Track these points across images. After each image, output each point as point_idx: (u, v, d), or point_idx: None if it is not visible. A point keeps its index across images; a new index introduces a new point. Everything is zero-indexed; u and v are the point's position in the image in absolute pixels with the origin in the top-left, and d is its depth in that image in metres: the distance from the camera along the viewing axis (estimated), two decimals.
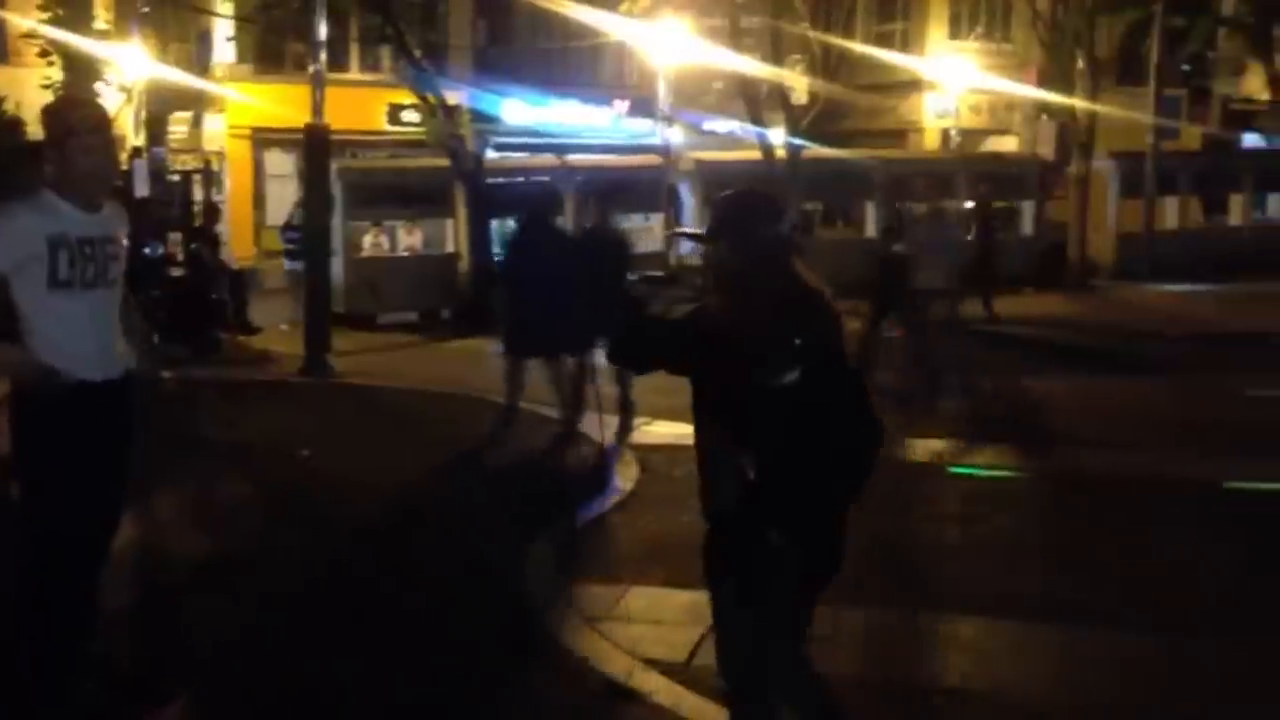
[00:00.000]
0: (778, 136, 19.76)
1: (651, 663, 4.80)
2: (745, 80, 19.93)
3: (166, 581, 5.76)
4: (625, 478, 7.97)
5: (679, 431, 9.54)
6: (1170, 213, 22.44)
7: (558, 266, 8.99)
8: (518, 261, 9.73)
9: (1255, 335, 14.39)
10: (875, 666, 4.96)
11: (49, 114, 4.15)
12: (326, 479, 7.79)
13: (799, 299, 3.30)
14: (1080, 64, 21.12)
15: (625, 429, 9.31)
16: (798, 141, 19.59)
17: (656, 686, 4.58)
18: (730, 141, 24.06)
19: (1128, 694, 4.66)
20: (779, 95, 20.26)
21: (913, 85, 26.67)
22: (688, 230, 14.47)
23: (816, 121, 20.28)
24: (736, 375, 3.25)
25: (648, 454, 8.56)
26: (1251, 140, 28.71)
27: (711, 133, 25.89)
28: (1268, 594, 5.79)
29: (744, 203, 3.45)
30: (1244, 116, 29.53)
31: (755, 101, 19.89)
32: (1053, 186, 21.15)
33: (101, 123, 4.14)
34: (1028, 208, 21.03)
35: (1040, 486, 8.15)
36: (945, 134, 26.92)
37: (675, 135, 24.59)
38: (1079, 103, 20.32)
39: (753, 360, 3.23)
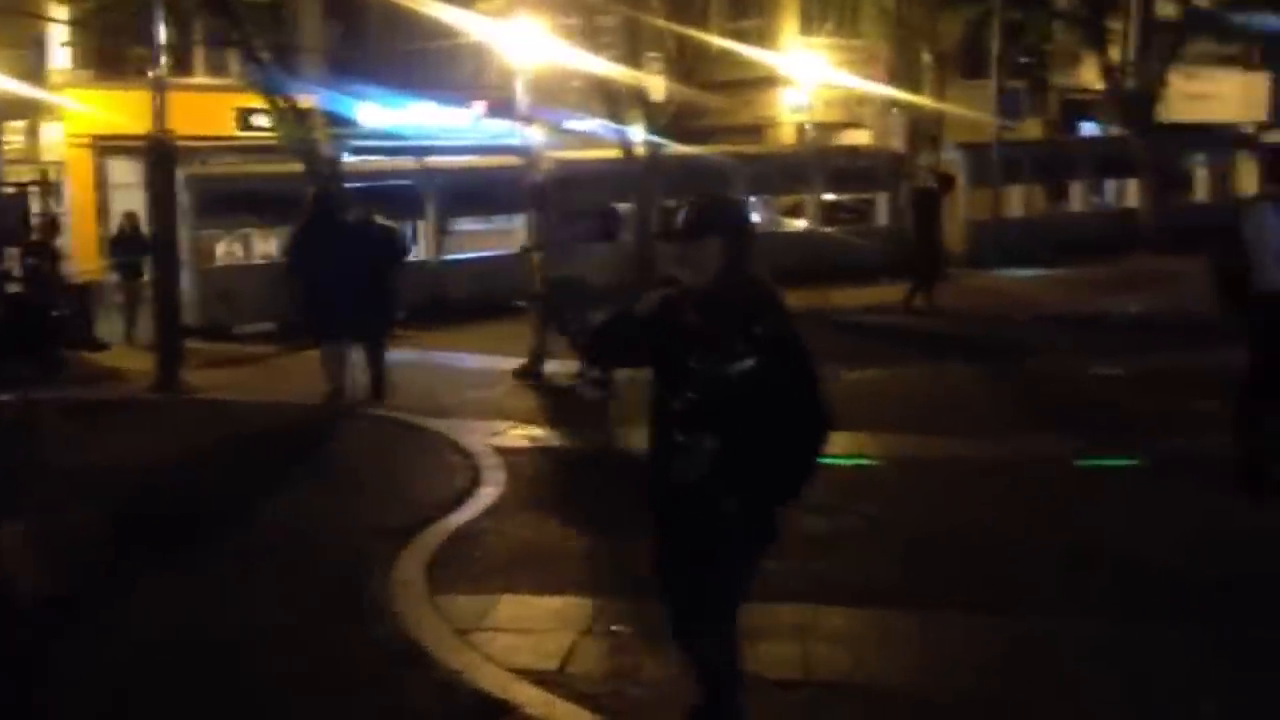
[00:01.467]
0: (637, 134, 19.84)
1: (523, 673, 4.77)
2: (603, 79, 19.96)
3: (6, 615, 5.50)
4: (492, 484, 7.90)
5: (544, 434, 9.59)
6: (1016, 201, 23.26)
7: (338, 259, 10.31)
8: (302, 255, 10.83)
9: (1097, 316, 15.02)
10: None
11: None
12: (179, 500, 7.54)
13: (760, 294, 3.72)
14: (926, 58, 21.73)
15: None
16: (656, 139, 19.70)
17: (529, 697, 4.54)
18: (591, 140, 24.05)
19: (985, 679, 4.78)
20: (637, 93, 20.34)
21: (768, 81, 27.05)
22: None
23: (675, 119, 20.41)
24: (704, 362, 3.64)
25: (514, 458, 8.51)
26: (1088, 129, 29.93)
27: (572, 132, 25.84)
28: (1123, 571, 6.01)
29: (724, 205, 4.11)
30: (1080, 106, 30.76)
31: (613, 100, 19.94)
32: (904, 178, 21.71)
33: None
34: (881, 199, 21.55)
35: (897, 473, 8.31)
36: (800, 128, 27.38)
37: (535, 135, 24.50)
38: (926, 97, 20.91)
39: (721, 348, 3.62)
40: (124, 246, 16.30)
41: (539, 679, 4.70)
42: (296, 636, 5.31)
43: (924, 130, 20.96)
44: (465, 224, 20.80)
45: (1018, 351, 12.75)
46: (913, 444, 8.95)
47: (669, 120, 20.22)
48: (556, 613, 5.45)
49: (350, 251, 10.49)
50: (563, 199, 12.43)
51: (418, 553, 6.36)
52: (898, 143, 23.94)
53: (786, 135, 28.27)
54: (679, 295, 3.76)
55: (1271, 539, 6.48)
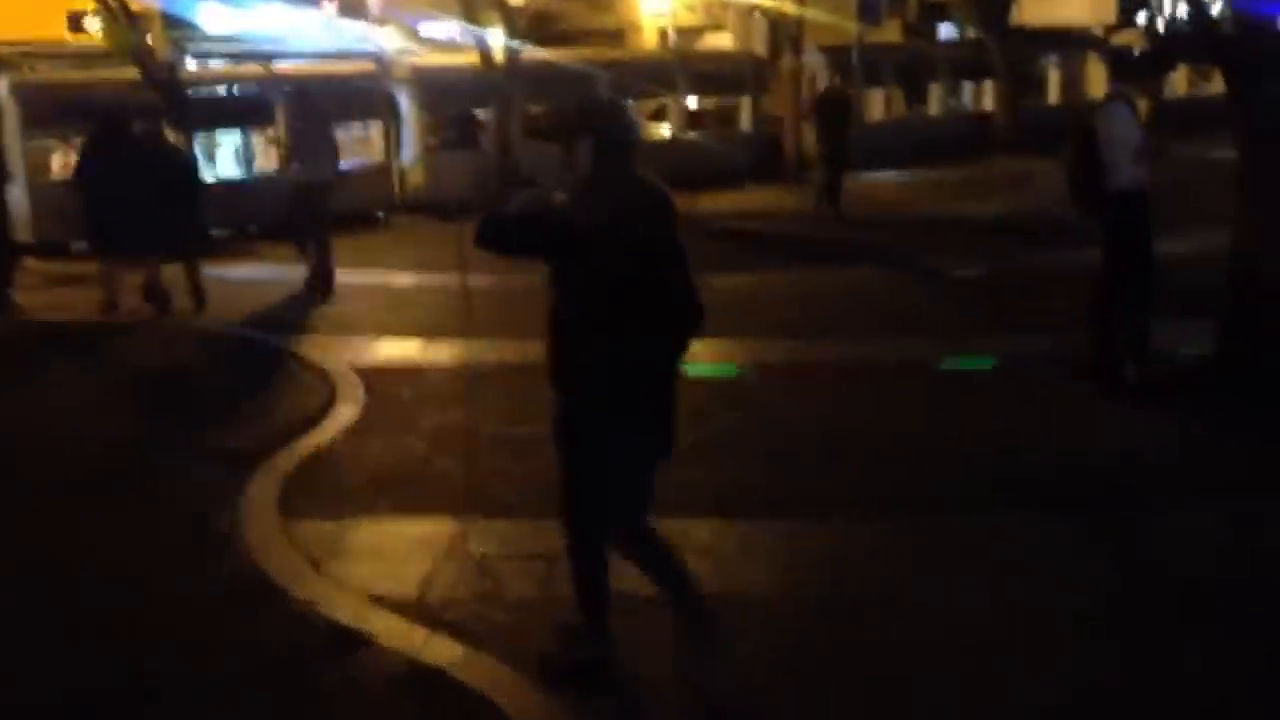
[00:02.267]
0: (496, 40, 19.23)
1: (380, 600, 4.59)
2: None
3: None
4: (349, 401, 7.61)
5: (405, 351, 9.29)
6: (876, 104, 23.33)
7: (128, 174, 10.38)
8: (90, 168, 10.85)
9: (956, 218, 15.21)
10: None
11: None
12: (11, 427, 7.09)
13: (639, 193, 3.84)
14: None
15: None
16: (515, 44, 19.13)
17: (386, 627, 4.37)
18: (447, 46, 23.29)
19: (852, 581, 4.78)
20: None
21: None
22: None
23: (535, 24, 19.83)
24: (583, 261, 3.72)
25: (374, 376, 8.22)
26: (947, 31, 30.16)
27: (428, 37, 24.98)
28: (984, 467, 6.07)
29: (609, 106, 4.54)
30: (938, 9, 30.94)
31: (471, 3, 19.24)
32: (767, 82, 21.55)
33: None
34: (745, 103, 21.39)
35: (763, 379, 8.27)
36: (662, 32, 26.97)
37: (389, 40, 23.61)
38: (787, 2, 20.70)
39: (596, 247, 3.70)
40: None
41: (397, 607, 4.53)
42: (137, 570, 5.02)
43: (786, 33, 20.75)
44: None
45: (880, 255, 12.83)
46: (779, 350, 8.93)
47: (528, 25, 19.62)
48: (415, 537, 5.27)
49: (136, 168, 10.54)
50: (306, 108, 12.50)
51: (268, 478, 6.09)
52: (760, 47, 23.73)
53: (648, 40, 27.83)
54: (565, 197, 3.85)
55: (1123, 432, 6.65)
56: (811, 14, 20.86)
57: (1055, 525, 5.27)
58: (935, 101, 23.57)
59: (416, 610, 4.50)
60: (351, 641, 4.29)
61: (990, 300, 10.52)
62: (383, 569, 4.92)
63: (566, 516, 4.03)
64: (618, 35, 27.56)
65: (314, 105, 12.48)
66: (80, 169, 11.20)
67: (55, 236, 15.07)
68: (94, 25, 20.91)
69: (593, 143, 3.82)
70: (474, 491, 5.81)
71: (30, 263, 13.14)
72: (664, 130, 21.23)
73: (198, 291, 10.93)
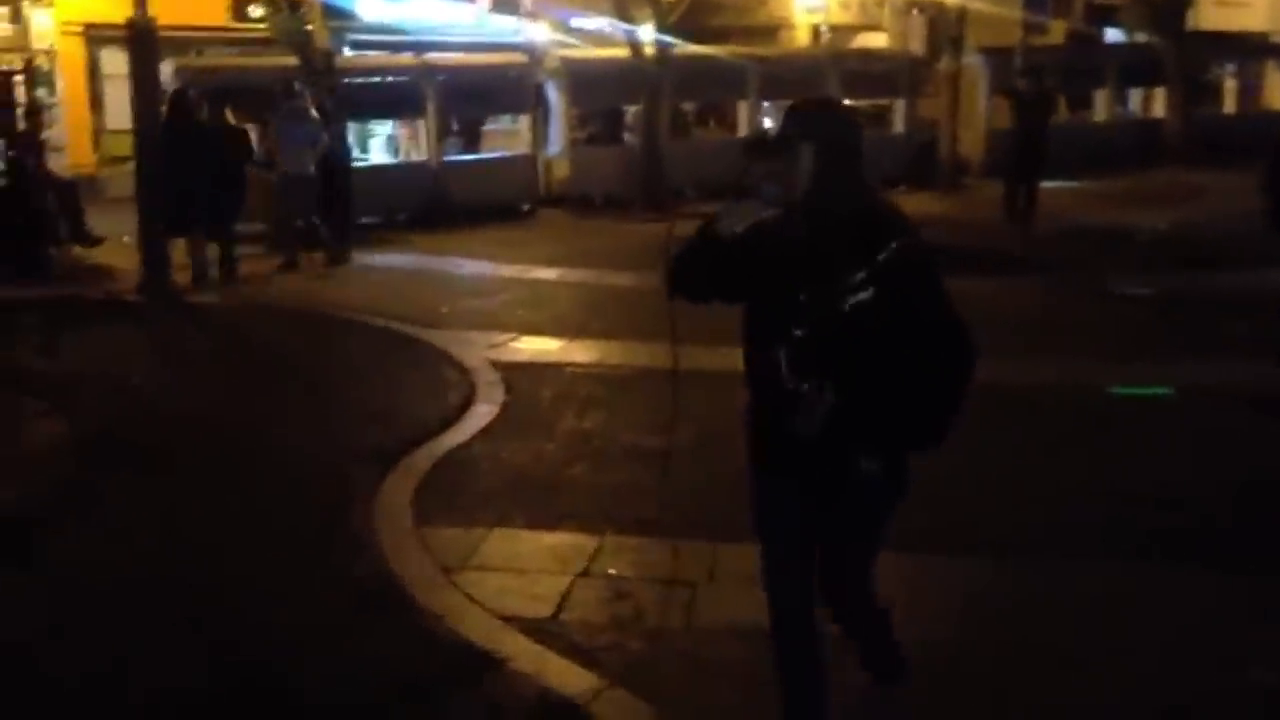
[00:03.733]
0: (647, 33, 19.03)
1: (513, 619, 4.36)
2: None
3: None
4: (488, 401, 7.45)
5: (546, 348, 9.13)
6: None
7: (190, 158, 11.23)
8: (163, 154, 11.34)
9: (1125, 230, 14.41)
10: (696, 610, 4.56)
11: None
12: (155, 413, 7.12)
13: (878, 211, 3.21)
14: None
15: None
16: (667, 39, 18.90)
17: (518, 649, 4.14)
18: (598, 39, 23.19)
19: (1012, 627, 4.38)
20: None
21: None
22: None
23: (686, 18, 19.55)
24: (811, 294, 3.09)
25: (514, 374, 8.06)
26: (1113, 35, 28.89)
27: (579, 30, 24.94)
28: (1160, 511, 5.58)
29: (833, 108, 3.43)
30: (1105, 11, 29.67)
31: None
32: (923, 83, 20.88)
33: None
34: (899, 105, 20.75)
35: None
36: (815, 30, 26.45)
37: (541, 33, 23.65)
38: None
39: (833, 277, 3.07)
40: None
41: (530, 627, 4.30)
42: (267, 573, 4.90)
43: (945, 33, 20.04)
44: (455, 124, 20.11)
45: (1044, 267, 12.20)
46: None
47: (680, 19, 19.37)
48: (552, 550, 5.03)
49: (199, 150, 11.46)
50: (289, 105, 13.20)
51: (404, 478, 5.94)
52: (917, 46, 23.05)
53: (801, 37, 27.33)
54: (773, 216, 3.19)
55: None
56: (974, 13, 20.11)
57: (1239, 585, 4.75)
58: (1102, 107, 22.54)
59: (550, 632, 4.26)
60: (482, 664, 4.06)
61: (1164, 321, 9.85)
62: (516, 584, 4.70)
63: (838, 577, 3.53)
64: (770, 32, 27.12)
65: (295, 102, 13.24)
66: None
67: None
68: (257, 12, 21.44)
69: (815, 149, 3.14)
70: (612, 505, 5.56)
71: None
72: None
73: (232, 265, 11.87)
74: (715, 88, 20.03)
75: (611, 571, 4.80)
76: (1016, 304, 10.65)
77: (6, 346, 9.07)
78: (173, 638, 4.32)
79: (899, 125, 20.80)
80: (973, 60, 20.27)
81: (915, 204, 17.44)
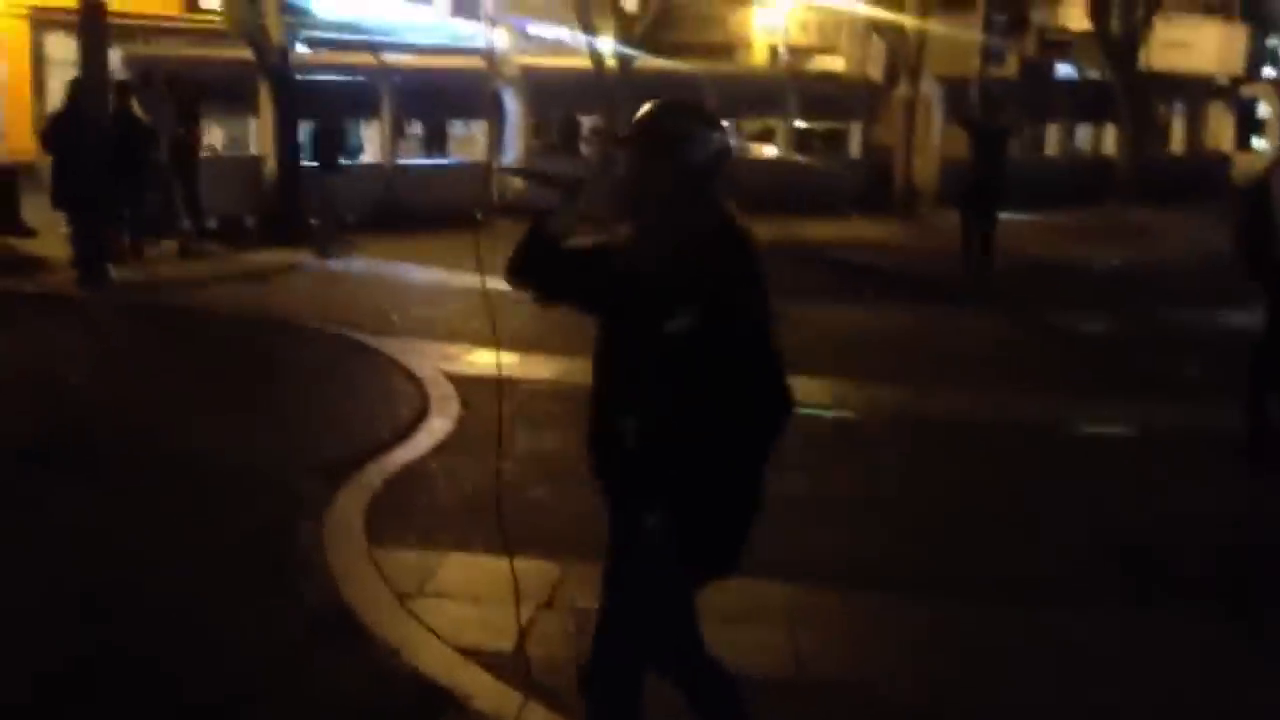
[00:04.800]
0: (607, 45, 18.93)
1: (473, 653, 4.15)
2: None
3: None
4: (443, 415, 7.24)
5: (505, 362, 8.91)
6: None
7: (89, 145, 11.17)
8: (57, 139, 11.52)
9: (1077, 267, 14.51)
10: None
11: None
12: (92, 417, 6.81)
13: (717, 233, 2.83)
14: None
15: None
16: (629, 51, 18.81)
17: (479, 686, 3.93)
18: (558, 48, 23.05)
19: (946, 673, 4.25)
20: (609, 2, 19.39)
21: None
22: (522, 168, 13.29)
23: (646, 31, 19.49)
24: (632, 316, 2.81)
25: (469, 387, 7.84)
26: (1064, 71, 29.31)
27: (538, 38, 24.78)
28: (1118, 552, 5.50)
29: (677, 113, 2.92)
30: (1058, 47, 30.09)
31: (585, 7, 18.96)
32: (879, 109, 20.98)
33: None
34: (855, 130, 20.83)
35: (868, 428, 7.73)
36: (773, 50, 26.52)
37: (500, 39, 23.46)
38: (910, 23, 20.08)
39: (650, 299, 2.77)
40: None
41: (490, 662, 4.09)
42: (210, 594, 4.64)
43: (903, 60, 20.14)
44: (420, 128, 19.87)
45: (998, 301, 12.21)
46: (886, 396, 8.38)
47: (641, 32, 19.29)
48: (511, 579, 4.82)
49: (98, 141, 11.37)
50: None
51: (355, 495, 5.71)
52: (875, 72, 23.17)
53: (758, 56, 27.40)
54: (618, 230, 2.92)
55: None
56: (934, 41, 20.21)
57: (1200, 624, 4.67)
58: (1053, 142, 22.80)
59: (511, 668, 4.05)
60: (442, 702, 3.85)
61: (1119, 358, 9.87)
62: (476, 614, 4.49)
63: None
64: (728, 50, 27.16)
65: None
66: (47, 138, 11.91)
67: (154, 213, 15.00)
68: (211, 4, 21.02)
69: (671, 165, 2.82)
70: (575, 530, 5.37)
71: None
72: (769, 151, 20.76)
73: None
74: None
75: (577, 603, 4.61)
76: (974, 336, 10.64)
77: None
78: (99, 667, 4.05)
79: (854, 150, 20.87)
80: (929, 88, 20.40)
81: (869, 230, 17.52)
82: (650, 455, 2.83)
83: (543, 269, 2.96)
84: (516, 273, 2.97)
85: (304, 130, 15.71)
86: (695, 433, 2.77)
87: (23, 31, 22.79)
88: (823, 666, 4.30)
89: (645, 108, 2.91)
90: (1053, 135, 22.81)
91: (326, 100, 16.15)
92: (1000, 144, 13.25)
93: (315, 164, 14.80)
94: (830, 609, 4.80)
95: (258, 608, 4.54)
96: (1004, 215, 14.80)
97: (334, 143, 14.99)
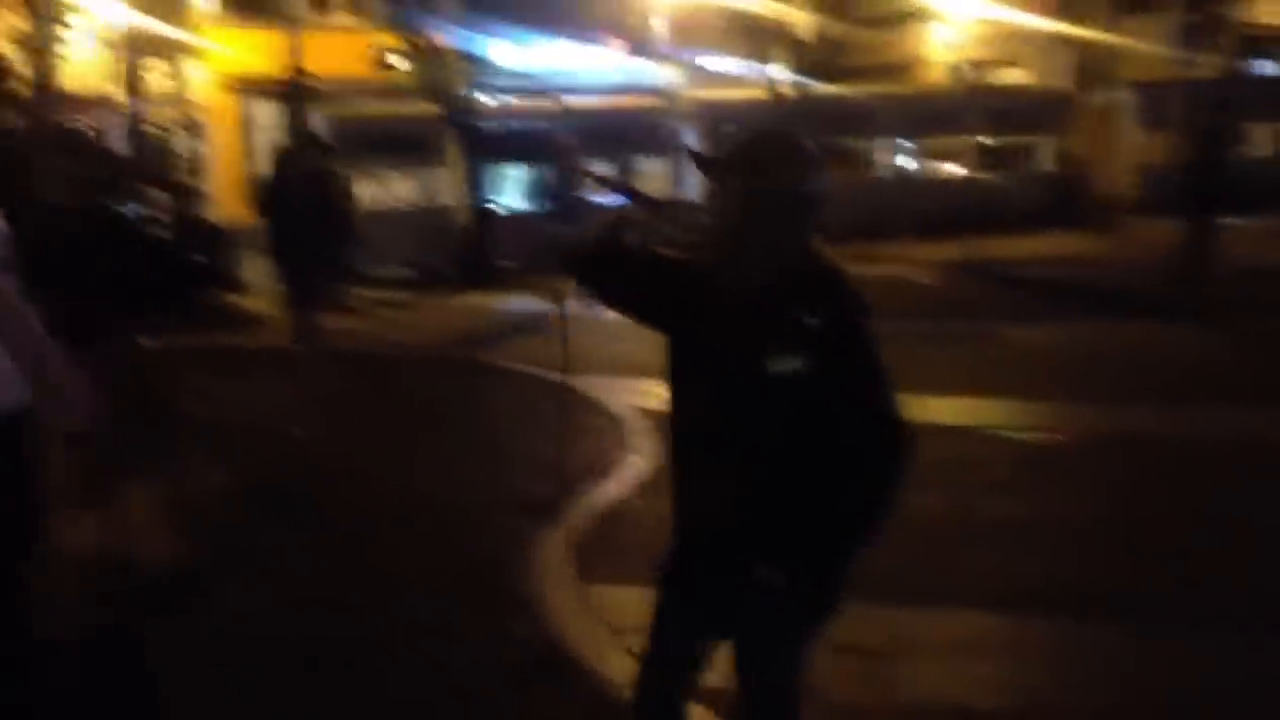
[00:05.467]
0: (780, 73, 18.93)
1: None
2: (747, 16, 19.05)
3: (130, 593, 5.10)
4: (641, 452, 7.30)
5: None
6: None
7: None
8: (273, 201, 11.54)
9: None
10: (885, 684, 4.29)
11: None
12: (314, 464, 7.13)
13: (816, 271, 2.68)
14: None
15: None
16: (802, 79, 18.76)
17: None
18: (732, 80, 23.17)
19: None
20: (782, 31, 19.40)
21: (917, 16, 25.71)
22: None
23: (819, 57, 19.43)
24: (727, 352, 2.63)
25: (662, 422, 7.87)
26: (1266, 69, 27.74)
27: (712, 72, 24.96)
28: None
29: (775, 143, 2.76)
30: (1257, 43, 28.53)
31: (758, 38, 19.03)
32: (1069, 119, 20.31)
33: None
34: (1045, 142, 20.21)
35: (1074, 451, 7.42)
36: (953, 67, 25.98)
37: (675, 75, 23.70)
38: (1096, 31, 19.42)
39: (750, 336, 2.60)
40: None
41: (708, 699, 4.07)
42: (428, 629, 4.78)
43: (1093, 68, 19.47)
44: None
45: (1205, 312, 11.60)
46: (1091, 415, 8.06)
47: (813, 59, 19.25)
48: None
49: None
50: None
51: (563, 532, 5.80)
52: (1061, 81, 22.44)
53: (936, 74, 26.88)
54: (702, 251, 2.75)
55: None
56: (1123, 46, 19.48)
57: None
58: (1263, 142, 21.59)
59: (726, 701, 4.03)
60: None
61: None
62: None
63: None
64: (903, 70, 26.75)
65: None
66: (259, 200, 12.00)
67: (356, 265, 15.72)
68: (398, 62, 21.93)
69: (745, 193, 2.65)
70: None
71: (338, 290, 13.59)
72: (953, 169, 20.34)
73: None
74: (852, 128, 19.80)
75: None
76: (1190, 353, 10.12)
77: (167, 394, 9.25)
78: (334, 700, 4.22)
79: (1044, 163, 20.25)
80: (1121, 95, 19.65)
81: (1063, 244, 16.93)
82: (757, 507, 2.67)
83: (609, 267, 2.86)
84: (578, 262, 2.87)
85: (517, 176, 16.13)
86: (806, 480, 2.63)
87: (230, 100, 24.28)
88: (1050, 698, 4.14)
89: (740, 139, 2.77)
90: (1261, 135, 21.61)
91: (511, 147, 16.66)
92: (1220, 144, 12.59)
93: (544, 210, 14.71)
94: (1046, 639, 4.63)
95: (474, 644, 4.65)
96: (1219, 220, 14.12)
97: (567, 188, 14.73)
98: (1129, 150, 19.60)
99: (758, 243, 2.67)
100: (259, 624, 4.82)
